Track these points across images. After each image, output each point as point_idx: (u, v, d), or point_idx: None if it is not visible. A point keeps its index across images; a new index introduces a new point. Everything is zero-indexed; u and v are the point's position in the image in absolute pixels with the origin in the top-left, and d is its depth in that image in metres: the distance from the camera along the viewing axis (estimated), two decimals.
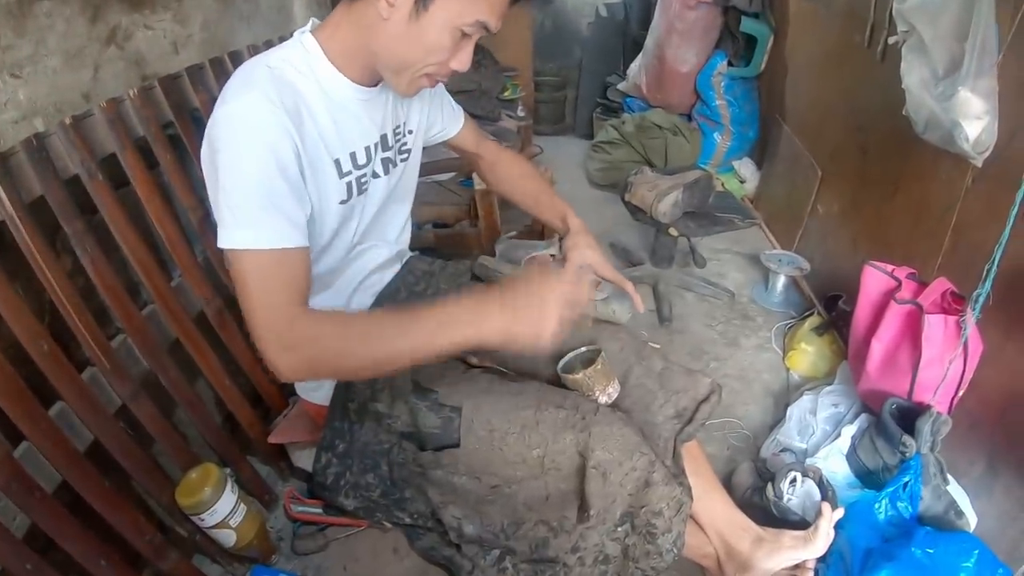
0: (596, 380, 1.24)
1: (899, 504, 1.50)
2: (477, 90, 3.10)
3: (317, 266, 1.25)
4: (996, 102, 1.53)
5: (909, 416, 1.62)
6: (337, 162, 1.15)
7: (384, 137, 1.26)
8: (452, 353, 0.99)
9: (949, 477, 1.59)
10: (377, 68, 1.12)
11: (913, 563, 1.34)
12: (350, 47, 1.10)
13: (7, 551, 1.05)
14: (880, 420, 1.64)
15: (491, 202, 2.21)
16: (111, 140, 1.30)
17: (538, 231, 2.45)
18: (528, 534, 1.15)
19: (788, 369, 2.33)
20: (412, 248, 1.58)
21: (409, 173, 1.42)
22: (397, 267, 1.49)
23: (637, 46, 4.11)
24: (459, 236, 2.40)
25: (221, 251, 1.01)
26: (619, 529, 1.13)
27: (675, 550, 1.13)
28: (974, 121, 1.55)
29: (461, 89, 2.93)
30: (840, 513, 1.44)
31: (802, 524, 1.50)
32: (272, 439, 1.58)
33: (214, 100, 1.04)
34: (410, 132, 1.36)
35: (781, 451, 1.86)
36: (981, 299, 1.50)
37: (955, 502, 1.54)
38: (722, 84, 3.63)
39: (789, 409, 1.99)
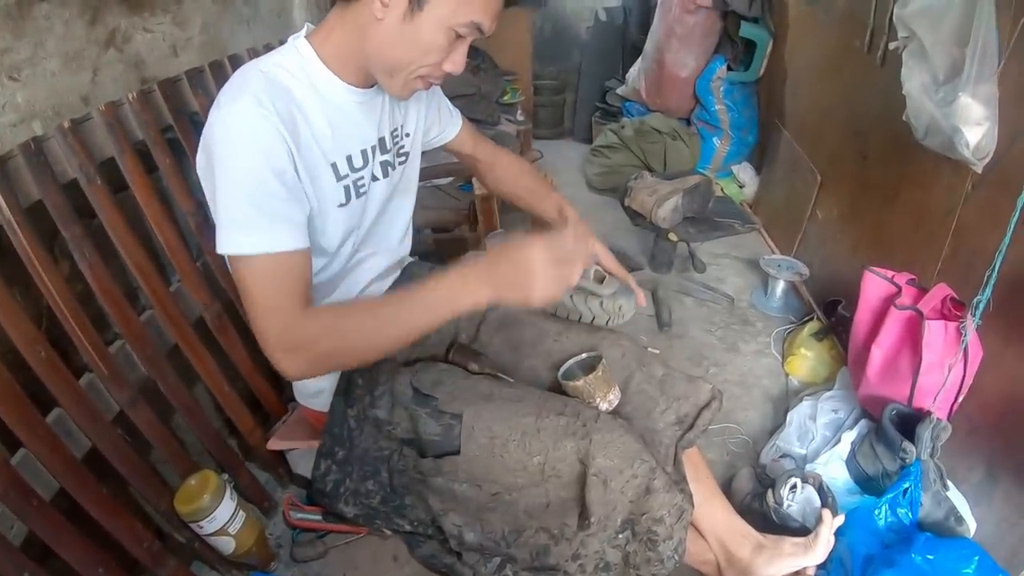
0: (597, 387, 1.23)
1: (899, 510, 1.50)
2: (476, 94, 3.11)
3: (319, 275, 1.25)
4: (996, 108, 1.53)
5: (909, 422, 1.61)
6: (334, 165, 1.15)
7: (382, 140, 1.26)
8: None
9: (949, 483, 1.59)
10: (371, 70, 1.12)
11: (913, 569, 1.33)
12: (345, 49, 1.10)
13: (4, 559, 1.05)
14: (880, 426, 1.63)
15: (490, 206, 2.21)
16: (110, 144, 1.30)
17: (537, 230, 2.44)
18: (529, 542, 1.15)
19: (787, 375, 2.33)
20: (411, 253, 1.57)
21: (408, 176, 1.41)
22: (397, 275, 1.49)
23: (636, 50, 4.11)
24: (458, 241, 2.40)
25: (220, 255, 1.01)
26: (620, 536, 1.13)
27: (676, 557, 1.13)
28: (974, 127, 1.55)
29: (460, 93, 2.93)
30: (840, 520, 1.43)
31: (802, 531, 1.49)
32: (271, 445, 1.57)
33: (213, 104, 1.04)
34: (407, 135, 1.36)
35: (781, 457, 1.85)
36: (981, 305, 1.50)
37: (955, 508, 1.54)
38: (721, 89, 3.62)
39: (789, 415, 1.99)
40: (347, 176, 1.18)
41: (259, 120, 1.00)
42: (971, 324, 1.52)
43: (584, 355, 1.31)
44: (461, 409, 1.19)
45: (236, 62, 1.68)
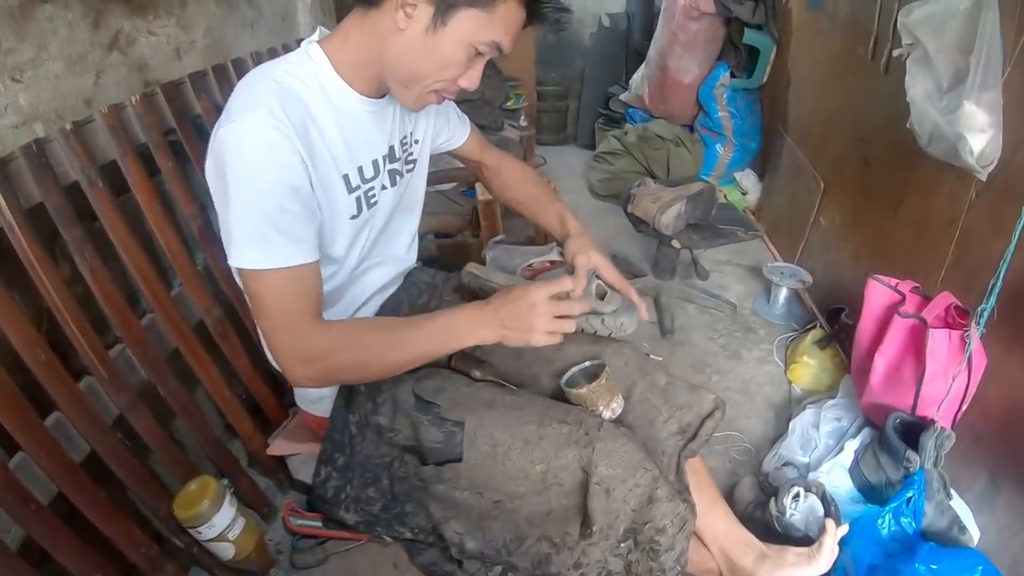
0: (600, 395, 1.23)
1: (903, 520, 1.49)
2: (480, 100, 3.10)
3: (326, 283, 1.24)
4: (1001, 115, 1.53)
5: (913, 431, 1.61)
6: (346, 177, 1.15)
7: (391, 149, 1.25)
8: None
9: (952, 492, 1.58)
10: (386, 80, 1.11)
11: None
12: (360, 57, 1.09)
13: (1, 563, 1.04)
14: (883, 435, 1.63)
15: (493, 212, 2.20)
16: (112, 147, 1.29)
17: (540, 238, 2.43)
18: (530, 550, 1.14)
19: (790, 382, 2.32)
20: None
21: (415, 183, 1.41)
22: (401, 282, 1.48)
23: (640, 57, 4.10)
24: (461, 247, 2.39)
25: (222, 261, 1.01)
26: (622, 545, 1.12)
27: (678, 567, 1.12)
28: (978, 134, 1.54)
29: (464, 99, 2.92)
30: (844, 529, 1.42)
31: (805, 540, 1.48)
32: (271, 451, 1.56)
33: (217, 107, 1.04)
34: (416, 142, 1.35)
35: (783, 465, 1.85)
36: (986, 314, 1.49)
37: (958, 517, 1.53)
38: (724, 95, 3.62)
39: (791, 423, 1.98)
40: (358, 188, 1.18)
41: (275, 135, 0.99)
42: (975, 333, 1.51)
43: (587, 363, 1.30)
44: (463, 416, 1.18)
45: (240, 65, 1.68)
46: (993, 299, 1.48)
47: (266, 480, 1.80)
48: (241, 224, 0.99)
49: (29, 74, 1.25)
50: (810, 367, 2.27)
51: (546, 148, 4.57)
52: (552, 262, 2.01)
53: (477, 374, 1.32)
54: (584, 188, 4.09)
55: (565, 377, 1.29)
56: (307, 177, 1.04)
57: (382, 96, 1.18)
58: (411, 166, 1.35)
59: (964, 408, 1.62)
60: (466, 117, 1.54)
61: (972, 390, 1.58)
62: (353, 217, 1.19)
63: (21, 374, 1.09)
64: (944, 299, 1.65)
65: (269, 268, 0.99)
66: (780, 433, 2.03)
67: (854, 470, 1.71)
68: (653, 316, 2.69)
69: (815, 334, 2.36)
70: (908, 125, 1.78)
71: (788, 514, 1.57)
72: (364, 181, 1.19)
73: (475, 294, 1.42)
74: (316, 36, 1.14)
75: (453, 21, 1.00)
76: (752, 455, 2.01)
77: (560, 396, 1.28)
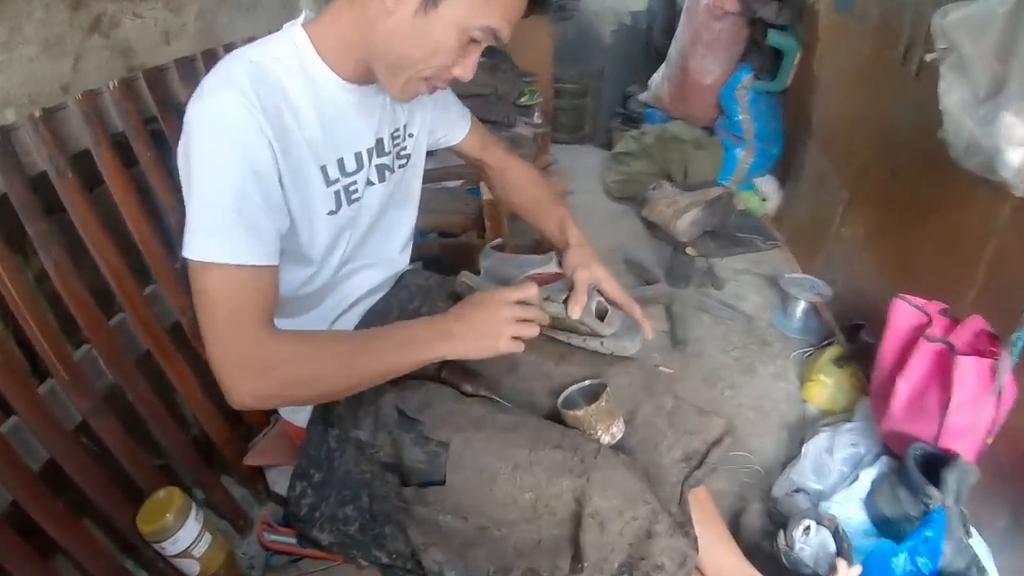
0: (599, 418, 1.14)
1: (919, 560, 1.39)
2: (493, 94, 3.02)
3: (304, 286, 1.18)
4: None
5: (934, 463, 1.51)
6: (324, 169, 1.07)
7: (380, 141, 1.18)
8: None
9: (972, 530, 1.50)
10: (373, 65, 1.04)
11: None
12: (346, 41, 1.03)
13: None
14: (903, 466, 1.54)
15: (498, 213, 2.12)
16: (86, 135, 1.22)
17: (546, 244, 2.35)
18: None
19: (805, 401, 2.23)
20: (413, 259, 1.48)
21: (409, 180, 1.33)
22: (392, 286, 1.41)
23: (660, 56, 4.03)
24: (465, 247, 2.32)
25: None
26: None
27: None
28: (1018, 147, 1.46)
29: (475, 92, 2.85)
30: (857, 571, 1.34)
31: None
32: (248, 460, 1.47)
33: None
34: (411, 135, 1.27)
35: (795, 491, 1.76)
36: (1020, 343, 1.39)
37: (977, 558, 1.45)
38: (746, 98, 3.54)
39: (805, 446, 1.88)
40: (337, 181, 1.10)
41: (241, 114, 0.92)
42: (1007, 362, 1.42)
43: (587, 382, 1.22)
44: (449, 436, 1.10)
45: (231, 51, 1.59)
46: None
47: (243, 490, 1.73)
48: (199, 209, 0.91)
49: (1, 58, 1.18)
50: (826, 386, 2.18)
51: (562, 147, 4.51)
52: (556, 273, 1.91)
53: (468, 388, 1.23)
54: (599, 189, 4.01)
55: (562, 397, 1.20)
56: (273, 164, 0.96)
57: (368, 83, 1.10)
58: (403, 161, 1.27)
59: (990, 441, 1.52)
60: (468, 111, 1.45)
61: (1000, 422, 1.49)
62: (331, 213, 1.11)
63: None
64: (974, 323, 1.57)
65: (221, 262, 0.91)
66: (792, 455, 1.93)
67: (869, 501, 1.62)
68: (665, 326, 2.60)
69: (833, 351, 2.26)
70: (940, 135, 1.69)
71: (797, 548, 1.49)
72: (345, 175, 1.11)
73: None
74: (300, 19, 1.07)
75: (445, 3, 0.93)
76: (762, 477, 1.92)
77: (556, 415, 1.19)
